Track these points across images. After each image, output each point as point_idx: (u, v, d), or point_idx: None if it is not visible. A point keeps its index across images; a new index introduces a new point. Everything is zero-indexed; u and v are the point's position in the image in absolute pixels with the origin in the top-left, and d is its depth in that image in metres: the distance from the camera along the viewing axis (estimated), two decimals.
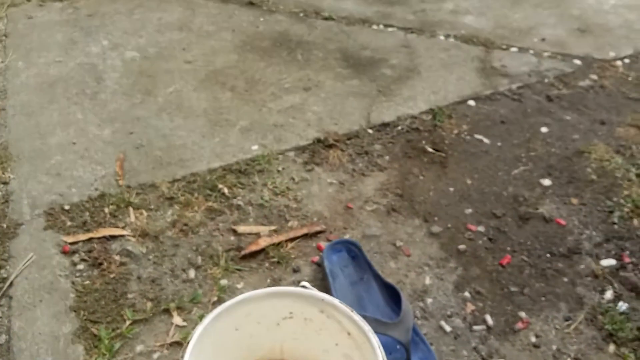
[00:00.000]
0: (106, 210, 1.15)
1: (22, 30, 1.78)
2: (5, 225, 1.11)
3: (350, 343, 0.72)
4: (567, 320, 0.97)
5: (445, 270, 1.06)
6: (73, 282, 1.01)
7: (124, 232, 1.10)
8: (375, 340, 0.67)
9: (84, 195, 1.18)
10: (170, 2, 1.97)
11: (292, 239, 1.11)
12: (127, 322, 0.95)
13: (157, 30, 1.79)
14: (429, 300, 1.00)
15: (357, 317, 0.69)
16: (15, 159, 1.27)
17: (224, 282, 1.02)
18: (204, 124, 1.39)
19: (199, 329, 0.66)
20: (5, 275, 1.01)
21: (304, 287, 0.74)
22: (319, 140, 1.36)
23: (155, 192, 1.19)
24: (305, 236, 1.12)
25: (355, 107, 1.48)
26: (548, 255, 1.09)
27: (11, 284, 1.00)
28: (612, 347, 0.93)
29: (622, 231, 1.14)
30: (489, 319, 0.97)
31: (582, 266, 1.07)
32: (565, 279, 1.04)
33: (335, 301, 0.71)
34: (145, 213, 1.15)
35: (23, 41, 1.72)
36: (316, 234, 1.13)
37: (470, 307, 0.99)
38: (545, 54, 1.74)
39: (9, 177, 1.22)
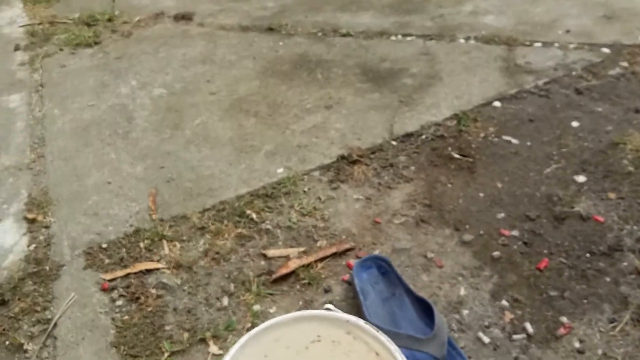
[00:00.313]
0: (141, 245, 1.19)
1: (57, 79, 1.88)
2: (48, 268, 1.16)
3: None
4: (611, 322, 0.92)
5: (480, 279, 1.03)
6: (113, 319, 1.05)
7: (159, 265, 1.13)
8: (402, 359, 0.66)
9: (120, 232, 1.23)
10: (193, 38, 2.03)
11: (321, 259, 1.11)
12: (166, 355, 0.97)
13: (182, 65, 1.85)
14: (465, 312, 0.97)
15: (383, 337, 0.69)
16: (55, 202, 1.34)
17: (256, 307, 1.03)
18: (230, 152, 1.42)
19: (226, 359, 0.66)
20: (49, 317, 1.06)
21: (328, 309, 0.74)
22: (342, 157, 1.36)
23: (187, 223, 1.22)
24: (335, 255, 1.12)
25: (378, 121, 1.48)
26: (588, 255, 1.04)
27: (55, 324, 1.04)
28: None
29: None
30: (528, 327, 0.93)
31: (625, 263, 1.02)
32: (608, 279, 1.00)
33: (360, 322, 0.71)
34: (178, 245, 1.18)
35: (58, 89, 1.82)
36: (345, 251, 1.13)
37: (508, 315, 0.96)
38: (571, 45, 1.69)
39: (50, 220, 1.28)
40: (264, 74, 1.74)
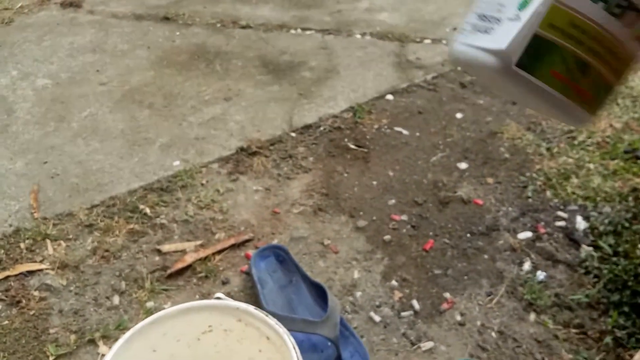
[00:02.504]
0: (22, 245, 1.10)
1: None
2: None
3: (271, 347, 0.72)
4: (489, 295, 1.01)
5: (372, 262, 1.07)
6: None
7: (42, 266, 1.06)
8: (290, 341, 0.67)
9: None
10: (82, 25, 1.91)
11: (219, 251, 1.10)
12: (51, 358, 0.91)
13: (69, 54, 1.74)
14: (358, 294, 1.01)
15: (272, 321, 0.69)
16: None
17: (150, 304, 1.00)
18: (122, 145, 1.36)
19: (108, 356, 0.64)
20: None
21: (218, 298, 0.74)
22: (242, 149, 1.35)
23: (73, 220, 1.15)
24: (233, 247, 1.11)
25: (277, 113, 1.49)
26: (468, 235, 1.13)
27: None
28: (532, 316, 0.97)
29: (537, 204, 1.19)
30: (415, 304, 0.99)
31: (501, 242, 1.11)
32: (486, 256, 1.08)
33: (250, 308, 0.71)
34: (63, 244, 1.11)
35: None
36: (244, 242, 1.12)
37: (397, 294, 1.01)
38: None
39: None
40: (159, 65, 1.68)
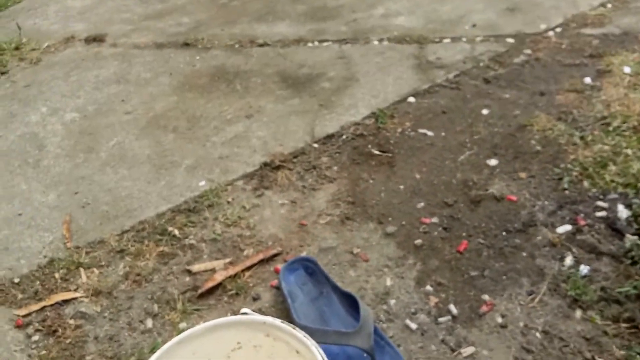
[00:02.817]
0: (56, 275, 1.12)
1: None
2: None
3: None
4: (530, 294, 0.96)
5: (405, 268, 1.04)
6: (29, 355, 0.98)
7: (77, 295, 1.07)
8: (319, 353, 0.65)
9: (33, 265, 1.16)
10: (106, 59, 1.97)
11: (248, 268, 1.09)
12: None
13: (95, 87, 1.79)
14: (392, 302, 0.98)
15: (300, 334, 0.67)
16: None
17: (182, 325, 0.99)
18: (149, 170, 1.38)
19: None
20: None
21: (244, 313, 0.72)
22: (265, 164, 1.35)
23: (105, 247, 1.17)
24: (262, 262, 1.10)
25: (299, 125, 1.48)
26: (504, 233, 1.08)
27: None
28: (578, 313, 0.92)
29: (574, 195, 1.14)
30: (453, 309, 0.95)
31: (539, 237, 1.06)
32: (524, 254, 1.03)
33: (277, 321, 0.69)
34: (96, 271, 1.12)
35: None
36: (273, 257, 1.11)
37: (433, 300, 0.97)
38: (478, 38, 1.76)
39: None
40: (181, 89, 1.71)
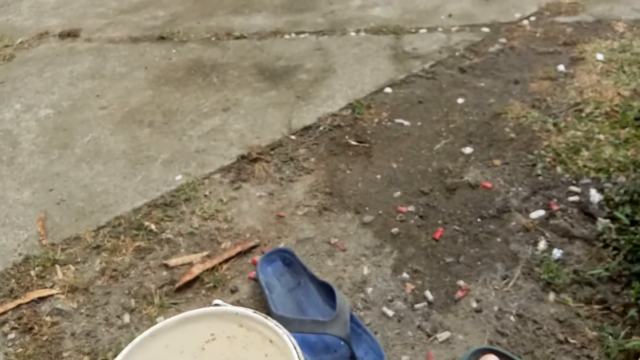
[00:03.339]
0: (32, 272, 1.11)
1: None
2: None
3: (275, 350, 0.70)
4: (504, 279, 0.97)
5: (382, 256, 1.05)
6: (6, 353, 0.97)
7: (53, 292, 1.06)
8: (291, 341, 0.65)
9: (8, 262, 1.14)
10: (81, 54, 1.94)
11: (226, 260, 1.09)
12: None
13: (69, 83, 1.76)
14: (369, 290, 0.99)
15: (272, 323, 0.68)
16: None
17: (160, 319, 0.99)
18: (125, 165, 1.36)
19: None
20: None
21: (217, 305, 0.72)
22: (243, 157, 1.34)
23: (80, 244, 1.15)
24: (240, 254, 1.10)
25: (276, 117, 1.48)
26: (479, 219, 1.09)
27: None
28: (552, 296, 0.93)
29: (547, 181, 1.15)
30: (429, 295, 0.96)
31: (513, 223, 1.07)
32: (499, 239, 1.05)
33: (249, 312, 0.69)
34: (72, 267, 1.11)
35: None
36: (251, 249, 1.11)
37: (409, 287, 0.98)
38: (454, 28, 1.77)
39: None
40: (157, 83, 1.69)
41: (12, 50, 2.06)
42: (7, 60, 1.99)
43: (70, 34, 2.07)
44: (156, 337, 0.68)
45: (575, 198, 1.11)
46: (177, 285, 1.05)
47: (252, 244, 1.12)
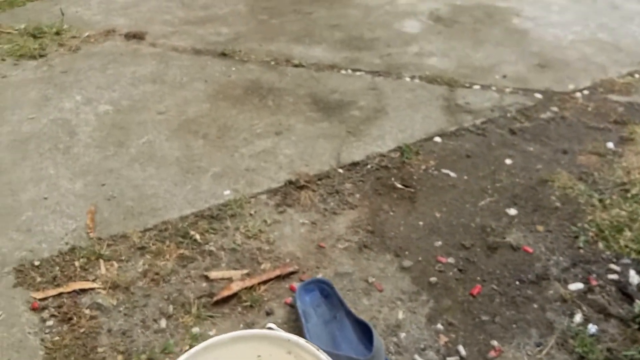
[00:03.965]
0: (76, 263, 1.14)
1: None
2: None
3: None
4: (538, 346, 0.98)
5: (418, 303, 1.06)
6: (42, 339, 1.00)
7: (94, 285, 1.10)
8: None
9: (54, 250, 1.18)
10: (145, 57, 2.02)
11: (264, 282, 1.11)
12: None
13: (131, 83, 1.83)
14: (403, 335, 1.00)
15: (323, 356, 0.70)
16: None
17: (195, 330, 1.01)
18: (176, 172, 1.41)
19: None
20: None
21: (270, 328, 0.74)
22: (290, 182, 1.38)
23: (127, 242, 1.19)
24: (279, 278, 1.12)
25: (326, 149, 1.51)
26: (517, 282, 1.10)
27: None
28: None
29: (588, 255, 1.16)
30: (462, 350, 0.97)
31: (551, 292, 1.08)
32: (535, 305, 1.06)
33: (301, 340, 0.72)
34: (116, 264, 1.14)
35: None
36: (289, 275, 1.13)
37: (443, 338, 0.99)
38: (507, 89, 1.81)
39: None
40: (215, 97, 1.75)
41: (79, 42, 2.15)
42: (72, 51, 2.08)
43: (135, 36, 2.16)
44: (209, 351, 0.70)
45: (614, 276, 1.12)
46: (215, 298, 1.07)
47: (291, 269, 1.14)
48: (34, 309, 1.05)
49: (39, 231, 1.23)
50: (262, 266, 1.15)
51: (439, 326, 1.01)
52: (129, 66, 1.94)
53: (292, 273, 1.14)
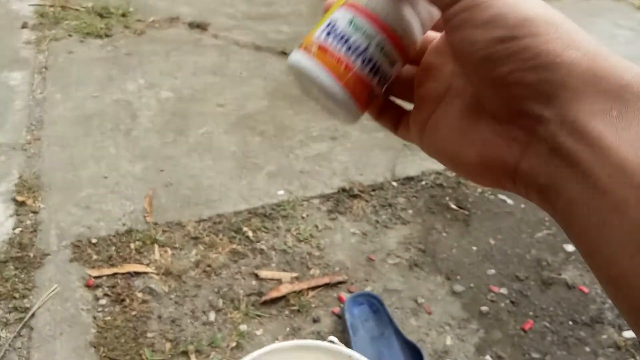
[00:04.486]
0: (132, 246, 1.16)
1: (62, 64, 1.86)
2: (32, 255, 1.12)
3: None
4: None
5: (467, 331, 1.05)
6: (95, 317, 1.02)
7: (148, 270, 1.11)
8: None
9: (111, 229, 1.20)
10: (206, 47, 2.04)
11: (313, 288, 1.11)
12: None
13: (192, 73, 1.86)
14: None
15: None
16: (46, 188, 1.30)
17: (243, 327, 1.02)
18: (233, 167, 1.42)
19: None
20: (28, 305, 1.02)
21: (331, 341, 0.74)
22: (343, 190, 1.37)
23: (181, 231, 1.21)
24: (327, 285, 1.12)
25: (381, 159, 1.50)
26: (570, 322, 1.07)
27: (33, 314, 1.01)
28: None
29: None
30: None
31: (605, 336, 1.05)
32: (587, 349, 1.03)
33: (363, 358, 0.71)
34: (170, 251, 1.16)
35: (62, 74, 1.79)
36: (337, 284, 1.13)
37: None
38: None
39: (39, 206, 1.25)
40: (273, 96, 1.76)
41: (144, 26, 2.19)
42: (137, 34, 2.12)
43: (199, 26, 2.19)
44: (270, 355, 0.71)
45: None
46: (264, 298, 1.07)
47: (340, 278, 1.14)
48: (88, 286, 1.07)
49: (98, 209, 1.25)
50: (311, 271, 1.15)
51: (488, 358, 1.00)
52: (191, 55, 1.97)
53: (341, 282, 1.13)
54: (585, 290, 1.14)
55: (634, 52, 2.28)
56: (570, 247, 1.25)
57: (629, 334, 1.06)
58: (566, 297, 1.13)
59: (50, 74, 1.80)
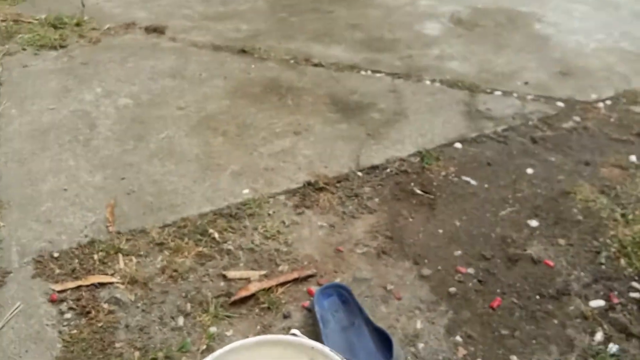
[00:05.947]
0: (95, 257, 1.14)
1: (17, 79, 1.81)
2: None
3: None
4: None
5: (437, 313, 1.05)
6: (60, 332, 1.00)
7: (113, 280, 1.10)
8: None
9: (73, 242, 1.18)
10: (164, 51, 2.02)
11: (282, 284, 1.11)
12: None
13: (150, 77, 1.83)
14: (421, 345, 0.99)
15: None
16: (5, 206, 1.27)
17: (213, 329, 1.01)
18: (196, 169, 1.40)
19: None
20: None
21: (294, 334, 0.74)
22: (309, 184, 1.37)
23: (146, 237, 1.19)
24: (296, 280, 1.12)
25: (345, 151, 1.51)
26: (537, 297, 1.09)
27: None
28: None
29: (610, 271, 1.15)
30: None
31: (572, 308, 1.07)
32: (555, 321, 1.04)
33: (326, 349, 0.71)
34: (134, 259, 1.14)
35: (17, 89, 1.75)
36: (307, 278, 1.13)
37: (461, 351, 0.98)
38: (529, 97, 1.79)
39: None
40: (234, 95, 1.74)
41: (99, 34, 2.15)
42: (93, 43, 2.08)
43: (156, 30, 2.16)
44: (233, 353, 0.70)
45: (636, 295, 1.10)
46: (233, 298, 1.07)
47: (309, 272, 1.14)
48: (52, 301, 1.05)
49: (59, 222, 1.23)
50: (280, 268, 1.15)
51: (458, 338, 1.01)
52: (149, 60, 1.94)
53: (310, 276, 1.13)
54: (551, 263, 1.16)
55: (589, 26, 2.33)
56: (534, 222, 1.27)
57: (595, 303, 1.08)
58: (532, 272, 1.14)
59: (5, 89, 1.76)
